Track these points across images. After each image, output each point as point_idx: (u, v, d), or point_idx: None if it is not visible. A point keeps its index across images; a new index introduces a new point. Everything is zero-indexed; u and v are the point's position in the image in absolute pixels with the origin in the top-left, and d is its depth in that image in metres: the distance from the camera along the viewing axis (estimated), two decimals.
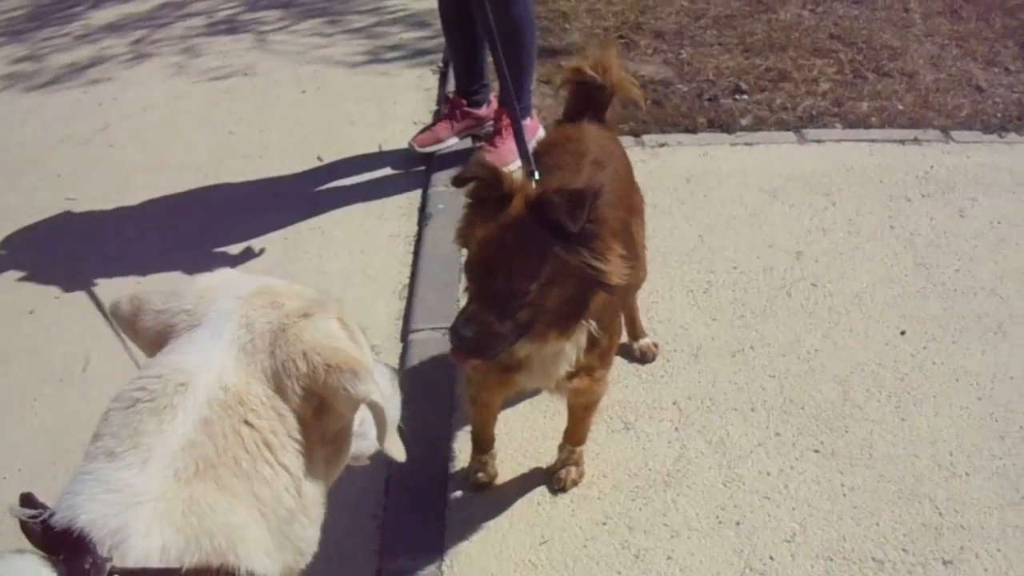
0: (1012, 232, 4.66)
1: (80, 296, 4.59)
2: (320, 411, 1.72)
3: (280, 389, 1.68)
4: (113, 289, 4.55)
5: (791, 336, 4.06)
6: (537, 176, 3.04)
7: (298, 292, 1.86)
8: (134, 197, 5.37)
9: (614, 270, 2.64)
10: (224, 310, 1.77)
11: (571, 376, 3.00)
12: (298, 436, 1.69)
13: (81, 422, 3.87)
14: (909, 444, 3.59)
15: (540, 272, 2.58)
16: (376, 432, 1.82)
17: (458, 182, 2.79)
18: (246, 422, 1.63)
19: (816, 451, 3.57)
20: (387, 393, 1.93)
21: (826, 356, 3.97)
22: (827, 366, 3.92)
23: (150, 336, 1.83)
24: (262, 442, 1.64)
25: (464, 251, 2.86)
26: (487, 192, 2.71)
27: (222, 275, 1.92)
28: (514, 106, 3.51)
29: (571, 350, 2.88)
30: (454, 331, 2.62)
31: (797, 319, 4.15)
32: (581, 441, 3.43)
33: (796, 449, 3.58)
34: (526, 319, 2.64)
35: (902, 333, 4.08)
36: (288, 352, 1.70)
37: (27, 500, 1.57)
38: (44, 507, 1.54)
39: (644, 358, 3.96)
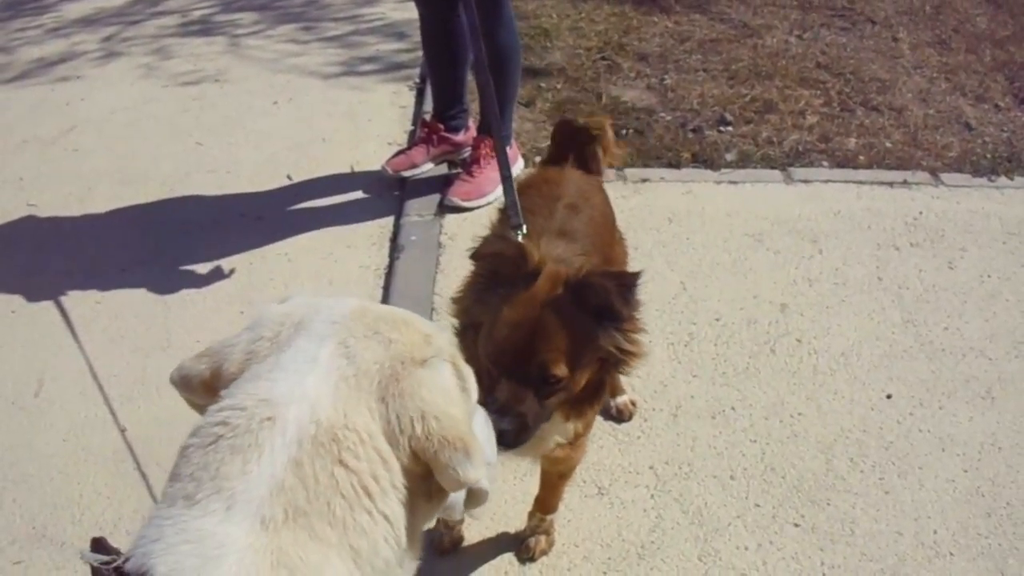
0: (1002, 287, 4.54)
1: (37, 312, 4.45)
2: (429, 473, 1.60)
3: (391, 439, 1.55)
4: (73, 305, 4.42)
5: (774, 397, 3.92)
6: (525, 230, 2.87)
7: (404, 320, 1.73)
8: (97, 207, 5.20)
9: (639, 354, 2.54)
10: (318, 334, 1.64)
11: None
12: (402, 486, 1.56)
13: (32, 451, 3.77)
14: (892, 520, 3.45)
15: (577, 356, 2.44)
16: (465, 501, 1.76)
17: (477, 257, 2.65)
18: (341, 462, 1.50)
19: (796, 525, 3.43)
20: (482, 437, 1.79)
21: (809, 420, 3.83)
22: (810, 431, 3.78)
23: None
24: (360, 487, 1.50)
25: (454, 318, 2.75)
26: (506, 269, 2.55)
27: (305, 300, 1.80)
28: (505, 153, 3.33)
29: (571, 426, 2.74)
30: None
31: (781, 379, 4.01)
32: (553, 509, 3.28)
33: (776, 522, 3.43)
34: (556, 404, 2.51)
35: (888, 397, 3.94)
36: (404, 407, 1.57)
37: (98, 545, 1.47)
38: (117, 552, 1.44)
39: (621, 416, 3.80)
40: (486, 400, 2.33)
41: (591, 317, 2.44)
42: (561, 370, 2.41)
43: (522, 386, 2.43)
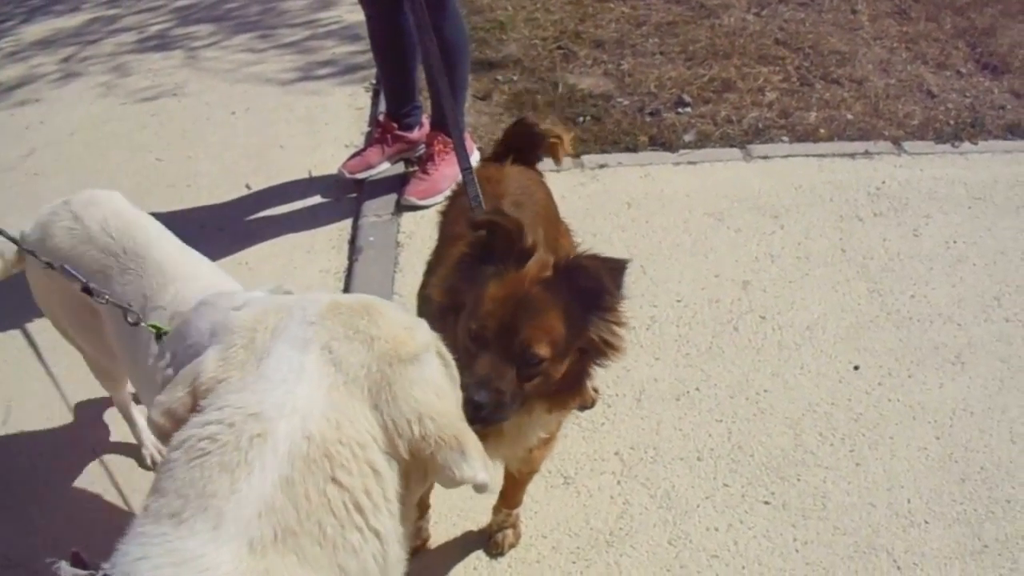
0: (968, 251, 4.50)
1: (2, 339, 4.38)
2: (423, 476, 1.62)
3: (389, 445, 1.55)
4: (38, 330, 4.33)
5: (739, 376, 3.87)
6: (484, 207, 2.82)
7: (379, 311, 1.71)
8: None
9: (620, 347, 2.47)
10: (298, 338, 1.62)
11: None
12: (394, 497, 1.56)
13: (1, 479, 3.68)
14: (865, 492, 3.41)
15: (561, 340, 2.37)
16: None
17: (475, 226, 2.54)
18: (333, 479, 1.48)
19: (767, 503, 3.38)
20: None
21: (776, 397, 3.78)
22: (777, 408, 3.73)
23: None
24: (352, 504, 1.49)
25: (436, 299, 2.64)
26: (500, 244, 2.47)
27: (269, 299, 1.83)
28: (463, 145, 3.26)
29: (551, 421, 2.68)
30: (466, 396, 2.30)
31: (745, 356, 3.95)
32: (518, 504, 3.23)
33: (745, 501, 3.39)
34: (532, 388, 2.42)
35: (856, 368, 3.90)
36: (399, 410, 1.57)
37: (76, 559, 1.49)
38: (96, 567, 1.44)
39: (584, 404, 3.73)
40: (463, 375, 2.29)
41: (579, 303, 2.38)
42: (544, 350, 2.34)
43: (503, 362, 2.36)
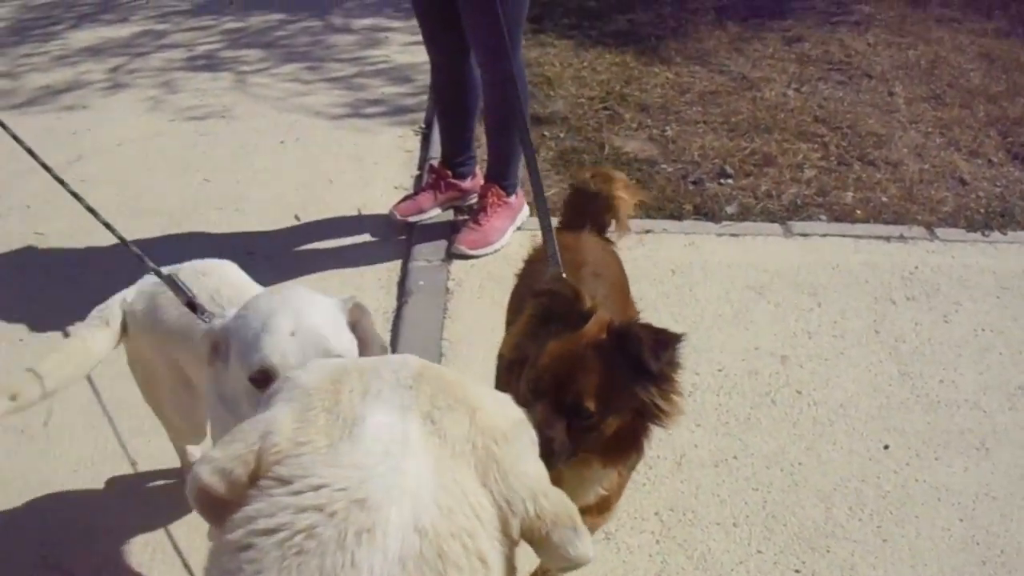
0: (995, 340, 4.64)
1: (45, 340, 4.51)
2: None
3: (503, 526, 1.43)
4: None
5: (775, 447, 4.01)
6: (564, 274, 2.95)
7: (467, 380, 1.62)
8: (103, 239, 5.02)
9: (675, 413, 2.57)
10: (395, 404, 1.47)
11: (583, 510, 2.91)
12: None
13: (42, 481, 3.79)
14: (890, 567, 3.54)
15: (611, 399, 2.48)
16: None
17: (534, 295, 2.71)
18: None
19: (797, 571, 3.51)
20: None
21: (809, 470, 3.91)
22: (810, 480, 3.87)
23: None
24: None
25: (504, 354, 2.81)
26: (560, 308, 2.62)
27: (343, 361, 1.65)
28: (545, 203, 3.36)
29: (607, 479, 2.77)
30: None
31: (781, 429, 4.09)
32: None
33: (777, 568, 3.51)
34: (582, 440, 2.54)
35: (885, 447, 4.03)
36: (512, 488, 1.45)
37: None
38: None
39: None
40: None
41: (629, 366, 2.48)
42: (592, 404, 2.45)
43: (555, 413, 2.47)
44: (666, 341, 2.50)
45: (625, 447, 2.64)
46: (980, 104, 6.98)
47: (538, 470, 1.56)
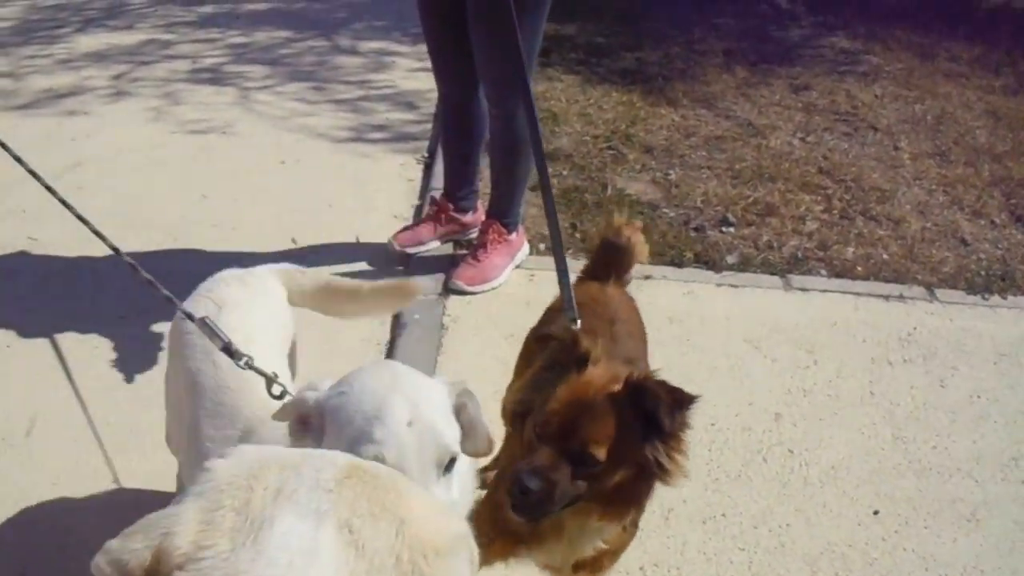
0: (990, 408, 4.59)
1: (33, 349, 4.46)
2: None
3: None
4: (70, 348, 4.45)
5: (764, 506, 3.95)
6: (579, 324, 2.93)
7: (406, 488, 1.47)
8: (97, 249, 4.97)
9: (678, 473, 2.56)
10: (310, 508, 1.33)
11: (577, 567, 2.85)
12: None
13: (21, 493, 3.71)
14: None
15: (617, 448, 2.45)
16: None
17: (538, 340, 2.81)
18: None
19: None
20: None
21: (797, 532, 3.85)
22: (797, 543, 3.81)
23: None
24: None
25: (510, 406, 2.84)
26: (563, 356, 2.63)
27: (267, 452, 1.49)
28: (561, 247, 3.32)
29: (608, 532, 2.74)
30: (518, 479, 2.44)
31: (771, 488, 4.04)
32: None
33: None
34: (585, 490, 2.50)
35: (875, 513, 3.97)
36: None
37: None
38: None
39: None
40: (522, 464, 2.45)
41: (639, 421, 2.48)
42: (600, 452, 2.43)
43: (560, 458, 2.45)
44: (683, 400, 2.51)
45: (625, 501, 2.61)
46: (985, 163, 6.96)
47: None
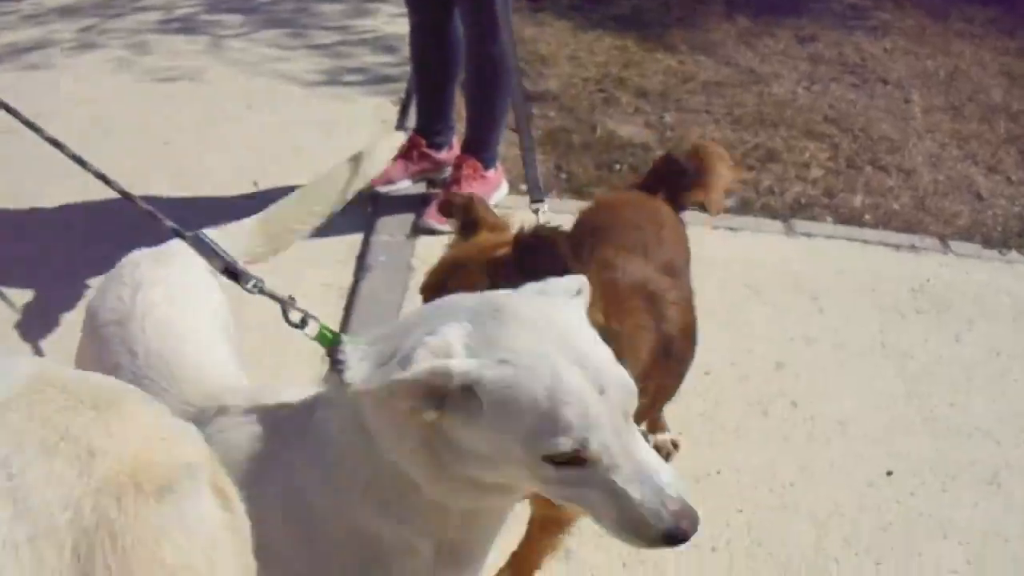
0: (1012, 366, 4.24)
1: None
2: None
3: None
4: (17, 298, 4.20)
5: (764, 463, 3.59)
6: (545, 207, 2.77)
7: (115, 400, 1.10)
8: (51, 200, 4.90)
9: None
10: None
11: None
12: None
13: None
14: None
15: None
16: None
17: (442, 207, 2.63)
18: None
19: None
20: None
21: (801, 492, 3.49)
22: (802, 504, 3.44)
23: None
24: None
25: None
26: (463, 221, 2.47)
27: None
28: (529, 135, 2.99)
29: None
30: None
31: (772, 443, 3.69)
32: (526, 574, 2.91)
33: None
34: None
35: (888, 473, 3.62)
36: None
37: None
38: None
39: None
40: None
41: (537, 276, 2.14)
42: None
43: None
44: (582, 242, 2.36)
45: None
46: (1000, 120, 6.59)
47: (197, 554, 1.01)
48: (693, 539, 3.09)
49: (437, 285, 2.26)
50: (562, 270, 2.08)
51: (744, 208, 5.17)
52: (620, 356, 2.17)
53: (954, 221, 5.32)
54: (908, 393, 4.01)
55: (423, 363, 1.52)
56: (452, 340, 1.58)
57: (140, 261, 2.52)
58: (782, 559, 3.23)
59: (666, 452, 3.51)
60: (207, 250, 2.12)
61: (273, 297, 2.01)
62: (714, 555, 3.21)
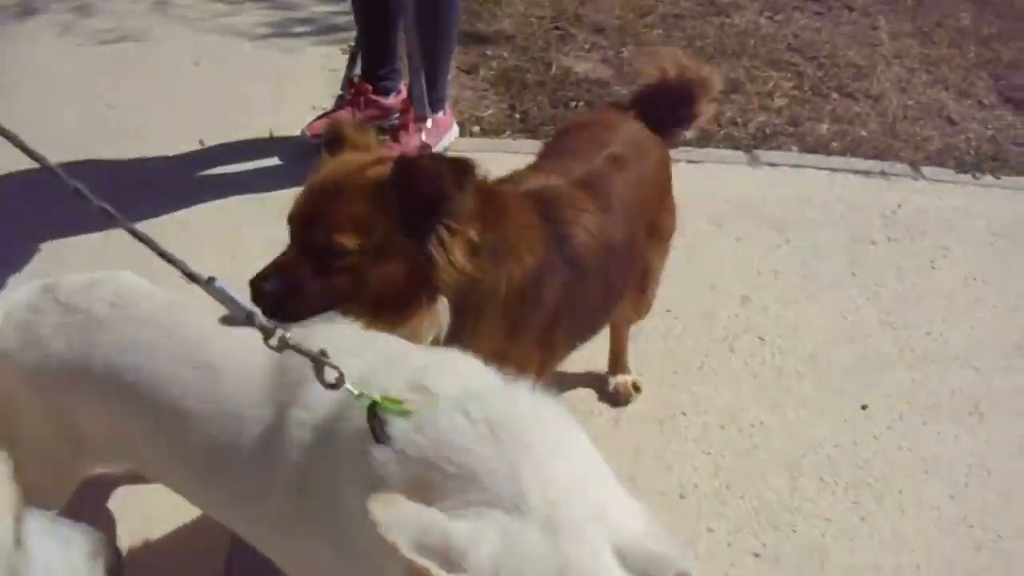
0: (988, 292, 4.11)
1: None
2: None
3: None
4: None
5: (732, 403, 3.46)
6: (429, 123, 2.82)
7: None
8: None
9: (449, 269, 2.23)
10: None
11: None
12: None
13: None
14: (868, 552, 3.01)
15: (378, 235, 2.19)
16: None
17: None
18: None
19: (756, 555, 2.97)
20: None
21: (773, 431, 3.36)
22: (773, 444, 3.32)
23: None
24: None
25: None
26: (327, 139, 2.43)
27: None
28: (418, 53, 2.83)
29: (429, 329, 2.34)
30: (253, 284, 2.20)
31: (740, 381, 3.55)
32: None
33: (732, 551, 2.97)
34: (343, 287, 2.22)
35: (863, 407, 3.50)
36: None
37: None
38: None
39: (617, 399, 3.40)
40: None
41: (416, 206, 2.18)
42: (349, 240, 2.16)
43: (303, 252, 2.21)
44: (465, 169, 2.18)
45: (396, 307, 2.28)
46: (970, 45, 6.40)
47: None
48: (661, 485, 2.99)
49: (307, 212, 2.21)
50: (440, 194, 2.12)
51: (705, 140, 4.99)
52: (505, 258, 2.24)
53: (925, 146, 5.16)
54: (882, 323, 3.88)
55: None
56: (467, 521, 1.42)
57: None
58: (754, 502, 3.11)
59: (627, 394, 3.38)
60: (228, 299, 1.86)
61: (301, 352, 1.77)
62: (682, 502, 3.09)
